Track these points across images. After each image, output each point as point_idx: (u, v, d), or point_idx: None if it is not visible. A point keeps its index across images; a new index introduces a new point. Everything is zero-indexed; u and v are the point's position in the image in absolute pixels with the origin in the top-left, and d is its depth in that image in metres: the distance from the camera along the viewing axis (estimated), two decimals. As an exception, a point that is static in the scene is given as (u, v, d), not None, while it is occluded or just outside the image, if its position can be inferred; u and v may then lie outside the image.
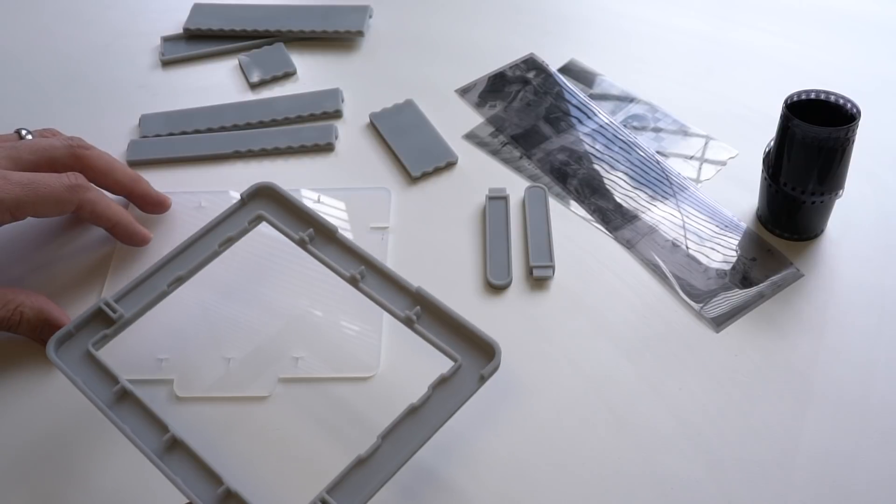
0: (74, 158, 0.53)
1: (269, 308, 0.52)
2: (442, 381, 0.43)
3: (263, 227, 0.51)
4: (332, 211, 0.58)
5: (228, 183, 0.60)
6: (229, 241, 0.49)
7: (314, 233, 0.49)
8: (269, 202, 0.51)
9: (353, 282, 0.47)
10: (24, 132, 0.55)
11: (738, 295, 0.52)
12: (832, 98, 0.51)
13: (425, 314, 0.45)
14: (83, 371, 0.44)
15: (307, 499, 0.39)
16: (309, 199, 0.58)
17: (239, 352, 0.50)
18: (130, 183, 0.56)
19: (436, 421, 0.41)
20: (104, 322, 0.46)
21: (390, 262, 0.54)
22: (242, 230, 0.50)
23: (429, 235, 0.57)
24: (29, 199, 0.49)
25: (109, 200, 0.54)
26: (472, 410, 0.47)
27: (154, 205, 0.57)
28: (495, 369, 0.43)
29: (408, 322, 0.45)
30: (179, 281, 0.48)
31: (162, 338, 0.50)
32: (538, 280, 0.54)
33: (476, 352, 0.44)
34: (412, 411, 0.42)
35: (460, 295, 0.52)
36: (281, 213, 0.50)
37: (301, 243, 0.49)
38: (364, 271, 0.47)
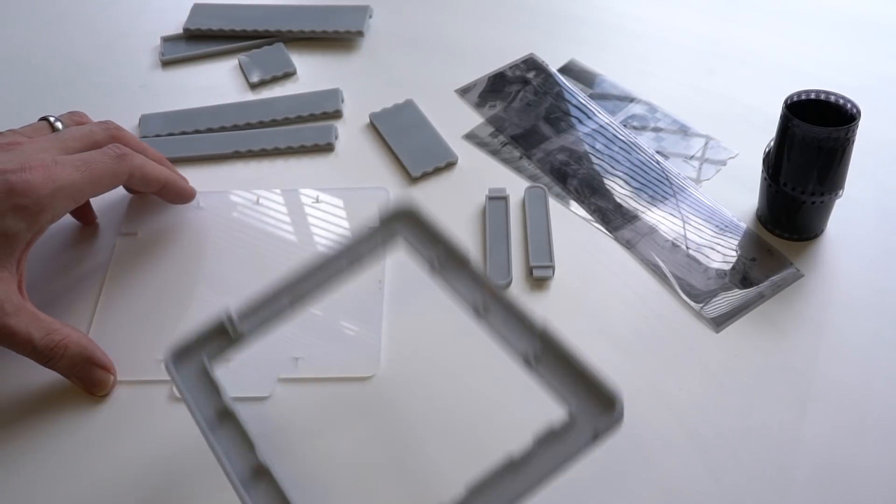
0: (113, 139, 0.54)
1: None
2: (551, 436, 0.37)
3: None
4: (330, 209, 0.58)
5: (228, 183, 0.60)
6: (358, 260, 0.46)
7: (444, 256, 0.45)
8: (408, 224, 0.47)
9: (475, 312, 0.43)
10: (52, 119, 0.55)
11: (738, 295, 0.52)
12: (832, 98, 0.51)
13: (546, 354, 0.40)
14: (193, 386, 0.43)
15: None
16: (308, 197, 0.58)
17: (237, 352, 0.50)
18: (162, 164, 0.57)
19: (535, 481, 0.36)
20: (223, 338, 0.44)
21: (388, 264, 0.54)
22: (373, 249, 0.47)
23: (429, 235, 0.56)
24: (86, 180, 0.49)
25: (153, 163, 0.54)
26: (470, 407, 0.47)
27: (180, 191, 0.57)
28: (613, 426, 0.37)
29: (526, 361, 0.40)
30: (301, 298, 0.45)
31: (161, 337, 0.50)
32: (538, 280, 0.54)
33: (594, 401, 0.38)
34: (511, 466, 0.36)
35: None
36: (419, 235, 0.46)
37: (431, 268, 0.45)
38: (487, 301, 0.43)
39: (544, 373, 0.40)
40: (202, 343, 0.44)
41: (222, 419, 0.41)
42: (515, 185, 0.59)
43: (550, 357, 0.40)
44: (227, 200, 0.59)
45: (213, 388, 0.42)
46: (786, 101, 0.51)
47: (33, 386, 0.49)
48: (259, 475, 0.40)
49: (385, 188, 0.59)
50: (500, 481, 0.36)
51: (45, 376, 0.49)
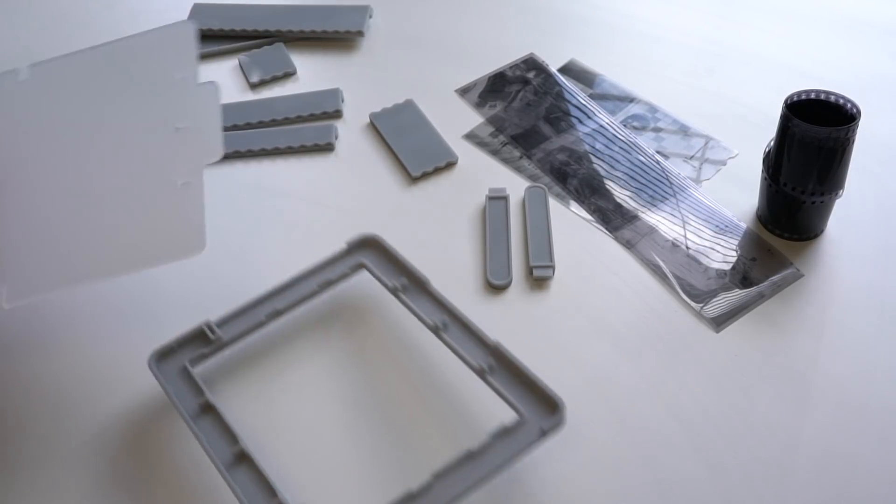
0: None
1: None
2: (503, 432, 0.43)
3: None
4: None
5: (228, 183, 0.60)
6: (328, 284, 0.52)
7: (407, 282, 0.51)
8: (371, 251, 0.53)
9: (435, 331, 0.49)
10: None
11: (738, 295, 0.52)
12: (832, 98, 0.51)
13: (499, 366, 0.47)
14: (176, 383, 0.47)
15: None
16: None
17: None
18: None
19: (490, 470, 0.42)
20: (204, 342, 0.49)
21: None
22: (342, 275, 0.52)
23: (429, 235, 0.57)
24: None
25: None
26: (473, 409, 0.47)
27: None
28: (558, 425, 0.44)
29: (481, 373, 0.46)
30: (276, 314, 0.50)
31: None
32: (538, 280, 0.54)
33: (541, 406, 0.45)
34: (469, 456, 0.42)
35: (460, 295, 0.52)
36: (381, 262, 0.53)
37: (394, 292, 0.51)
38: (447, 322, 0.49)
39: (497, 382, 0.46)
40: (183, 346, 0.49)
41: (205, 412, 0.46)
42: (515, 185, 0.59)
43: (503, 369, 0.46)
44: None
45: (195, 386, 0.47)
46: (786, 101, 0.51)
47: None
48: (241, 461, 0.44)
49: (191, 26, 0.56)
50: (461, 469, 0.42)
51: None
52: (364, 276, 0.53)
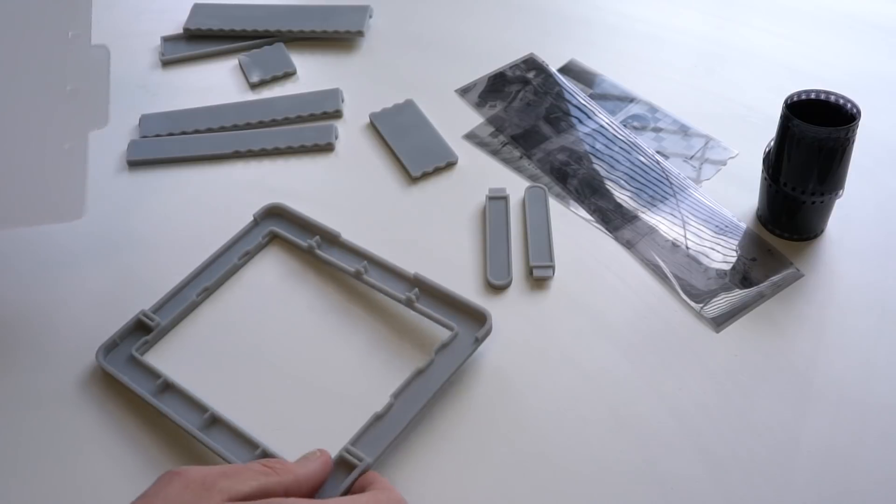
0: None
1: None
2: (442, 347, 0.48)
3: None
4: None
5: (229, 183, 0.60)
6: (247, 255, 0.55)
7: (321, 239, 0.55)
8: (278, 219, 0.57)
9: (357, 275, 0.52)
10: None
11: (738, 295, 0.52)
12: (832, 98, 0.51)
13: (423, 295, 0.51)
14: (129, 372, 0.49)
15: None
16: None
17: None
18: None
19: (439, 380, 0.47)
20: (144, 331, 0.51)
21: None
22: (259, 245, 0.55)
23: (429, 235, 0.57)
24: None
25: None
26: (473, 409, 0.47)
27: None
28: (488, 332, 0.48)
29: (409, 303, 0.51)
30: (207, 292, 0.53)
31: None
32: (538, 280, 0.54)
33: (471, 320, 0.49)
34: (419, 373, 0.47)
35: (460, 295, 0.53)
36: (290, 227, 0.56)
37: (310, 250, 0.54)
38: (366, 266, 0.53)
39: (425, 307, 0.50)
40: (124, 338, 0.51)
41: (165, 391, 0.48)
42: (515, 185, 0.59)
43: (427, 295, 0.51)
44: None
45: (148, 370, 0.49)
46: (786, 101, 0.51)
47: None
48: (214, 424, 0.46)
49: None
50: (414, 385, 0.47)
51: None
52: (282, 246, 0.56)
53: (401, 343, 0.51)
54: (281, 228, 0.56)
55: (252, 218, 0.56)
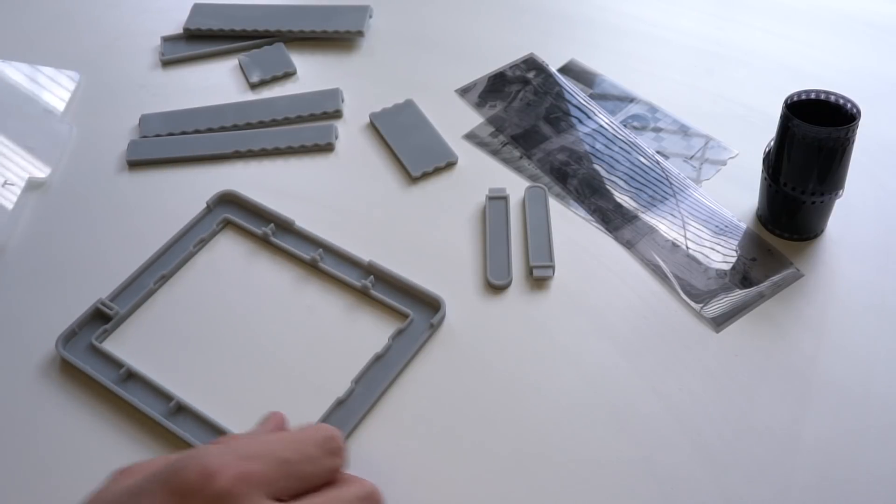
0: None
1: None
2: (398, 333, 0.50)
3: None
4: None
5: (228, 183, 0.60)
6: (202, 242, 0.56)
7: (275, 227, 0.56)
8: (232, 206, 0.58)
9: (313, 263, 0.54)
10: None
11: (738, 295, 0.52)
12: (832, 98, 0.51)
13: (379, 282, 0.53)
14: (91, 361, 0.50)
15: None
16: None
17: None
18: None
19: (397, 365, 0.49)
20: (103, 319, 0.52)
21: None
22: (212, 232, 0.56)
23: (429, 235, 0.57)
24: None
25: None
26: (473, 408, 0.47)
27: None
28: (442, 318, 0.50)
29: (364, 290, 0.52)
30: (164, 279, 0.54)
31: None
32: (538, 280, 0.54)
33: (426, 307, 0.51)
34: (377, 359, 0.49)
35: (460, 295, 0.52)
36: (244, 214, 0.57)
37: (265, 237, 0.55)
38: (321, 253, 0.54)
39: (381, 295, 0.52)
40: (83, 327, 0.51)
41: (128, 379, 0.49)
42: (515, 185, 0.59)
43: (382, 283, 0.53)
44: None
45: (110, 359, 0.49)
46: (786, 101, 0.51)
47: None
48: (179, 412, 0.47)
49: None
50: (373, 370, 0.49)
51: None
52: (237, 232, 0.56)
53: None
54: (234, 216, 0.57)
55: (205, 205, 0.57)
